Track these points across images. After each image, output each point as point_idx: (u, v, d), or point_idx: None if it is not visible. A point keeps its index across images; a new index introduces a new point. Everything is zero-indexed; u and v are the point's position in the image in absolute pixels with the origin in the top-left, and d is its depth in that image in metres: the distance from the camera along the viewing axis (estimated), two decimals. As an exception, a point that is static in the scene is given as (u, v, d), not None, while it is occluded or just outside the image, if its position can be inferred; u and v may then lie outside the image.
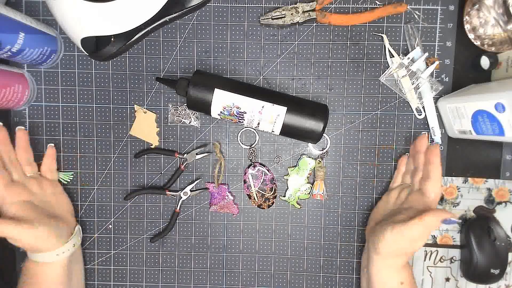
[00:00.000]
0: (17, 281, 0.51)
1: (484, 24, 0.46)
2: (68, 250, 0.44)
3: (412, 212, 0.40)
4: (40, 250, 0.42)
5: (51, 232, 0.42)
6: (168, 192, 0.50)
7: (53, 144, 0.49)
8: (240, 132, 0.50)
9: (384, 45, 0.48)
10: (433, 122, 0.49)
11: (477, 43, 0.47)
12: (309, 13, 0.47)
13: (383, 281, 0.42)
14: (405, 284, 0.42)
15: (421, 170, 0.45)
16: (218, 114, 0.45)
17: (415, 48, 0.48)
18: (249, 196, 0.51)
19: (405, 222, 0.38)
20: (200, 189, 0.51)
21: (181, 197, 0.50)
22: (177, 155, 0.50)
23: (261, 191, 0.50)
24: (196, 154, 0.50)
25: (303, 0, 0.48)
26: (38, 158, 0.50)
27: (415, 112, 0.49)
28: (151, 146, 0.50)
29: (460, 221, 0.40)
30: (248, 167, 0.50)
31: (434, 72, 0.49)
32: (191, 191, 0.50)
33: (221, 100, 0.44)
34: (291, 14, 0.47)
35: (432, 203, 0.42)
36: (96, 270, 0.52)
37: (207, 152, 0.50)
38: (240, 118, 0.45)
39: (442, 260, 0.51)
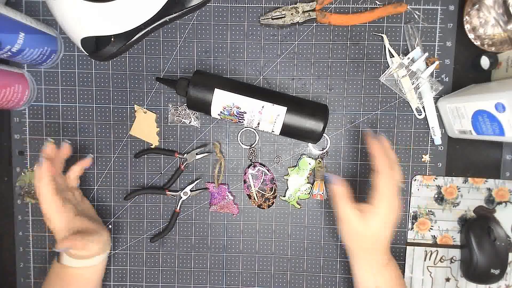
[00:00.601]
0: (16, 282, 0.51)
1: (484, 24, 0.46)
2: (108, 253, 0.47)
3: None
4: (93, 256, 0.43)
5: (103, 237, 0.45)
6: (168, 192, 0.50)
7: (92, 156, 0.49)
8: (240, 132, 0.50)
9: (384, 45, 0.48)
10: (433, 122, 0.49)
11: (477, 43, 0.47)
12: (309, 13, 0.47)
13: (362, 284, 0.42)
14: None
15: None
16: (218, 114, 0.45)
17: (415, 48, 0.48)
18: (249, 196, 0.50)
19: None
20: (200, 189, 0.51)
21: (181, 197, 0.50)
22: (177, 155, 0.50)
23: (261, 191, 0.50)
24: (196, 154, 0.50)
25: (303, 0, 0.48)
26: (37, 158, 0.50)
27: (415, 112, 0.49)
28: (151, 146, 0.50)
29: (330, 176, 0.43)
30: (248, 167, 0.50)
31: (434, 72, 0.49)
32: (191, 191, 0.50)
33: (221, 100, 0.44)
34: (291, 14, 0.47)
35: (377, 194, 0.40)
36: (96, 270, 0.52)
37: (207, 152, 0.50)
38: (240, 118, 0.45)
39: (442, 260, 0.51)
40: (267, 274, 0.52)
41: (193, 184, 0.50)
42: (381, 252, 0.41)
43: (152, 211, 0.51)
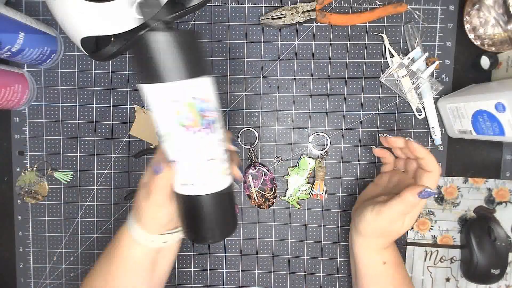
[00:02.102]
0: (16, 282, 0.51)
1: (484, 24, 0.46)
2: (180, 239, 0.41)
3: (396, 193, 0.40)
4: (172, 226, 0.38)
5: None
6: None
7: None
8: (240, 132, 0.50)
9: (384, 45, 0.48)
10: (433, 122, 0.49)
11: (477, 43, 0.47)
12: (309, 13, 0.47)
13: (365, 261, 0.42)
14: (388, 264, 0.41)
15: (414, 160, 0.42)
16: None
17: (415, 48, 0.48)
18: (249, 196, 0.50)
19: (385, 202, 0.38)
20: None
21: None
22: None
23: (261, 191, 0.50)
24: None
25: (303, 0, 0.48)
26: (37, 158, 0.50)
27: (415, 112, 0.49)
28: (151, 146, 0.50)
29: (437, 191, 0.37)
30: (248, 167, 0.50)
31: (434, 72, 0.49)
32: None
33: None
34: (291, 14, 0.47)
35: None
36: (96, 270, 0.52)
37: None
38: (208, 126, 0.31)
39: (442, 260, 0.51)
40: (267, 274, 0.52)
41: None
42: (389, 237, 0.41)
43: (152, 211, 0.51)
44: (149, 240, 0.38)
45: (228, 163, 0.35)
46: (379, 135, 0.47)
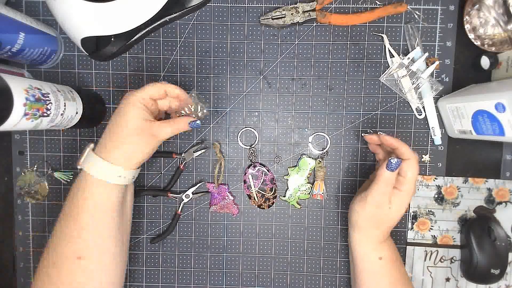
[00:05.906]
0: (16, 282, 0.51)
1: (484, 24, 0.46)
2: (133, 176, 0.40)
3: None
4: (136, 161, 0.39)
5: (147, 154, 0.40)
6: (170, 195, 0.50)
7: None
8: (240, 132, 0.50)
9: (384, 45, 0.48)
10: (433, 122, 0.49)
11: (477, 43, 0.47)
12: (309, 13, 0.47)
13: (362, 256, 0.43)
14: (384, 259, 0.42)
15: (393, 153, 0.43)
16: (24, 104, 0.35)
17: (415, 48, 0.48)
18: (249, 196, 0.50)
19: (367, 189, 0.40)
20: (202, 192, 0.50)
21: (183, 200, 0.50)
22: (175, 156, 0.50)
23: (261, 191, 0.50)
24: (194, 152, 0.50)
25: (303, 0, 0.48)
26: (37, 158, 0.50)
27: (415, 112, 0.49)
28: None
29: (395, 159, 0.39)
30: (248, 167, 0.50)
31: (434, 72, 0.49)
32: (193, 194, 0.50)
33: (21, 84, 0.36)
34: (291, 14, 0.47)
35: (408, 181, 0.40)
36: (96, 270, 0.52)
37: (204, 149, 0.50)
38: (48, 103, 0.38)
39: (442, 260, 0.51)
40: (267, 274, 0.52)
41: (195, 187, 0.50)
42: (387, 229, 0.42)
43: (152, 212, 0.51)
44: (128, 177, 0.39)
45: None
46: (361, 134, 0.49)
